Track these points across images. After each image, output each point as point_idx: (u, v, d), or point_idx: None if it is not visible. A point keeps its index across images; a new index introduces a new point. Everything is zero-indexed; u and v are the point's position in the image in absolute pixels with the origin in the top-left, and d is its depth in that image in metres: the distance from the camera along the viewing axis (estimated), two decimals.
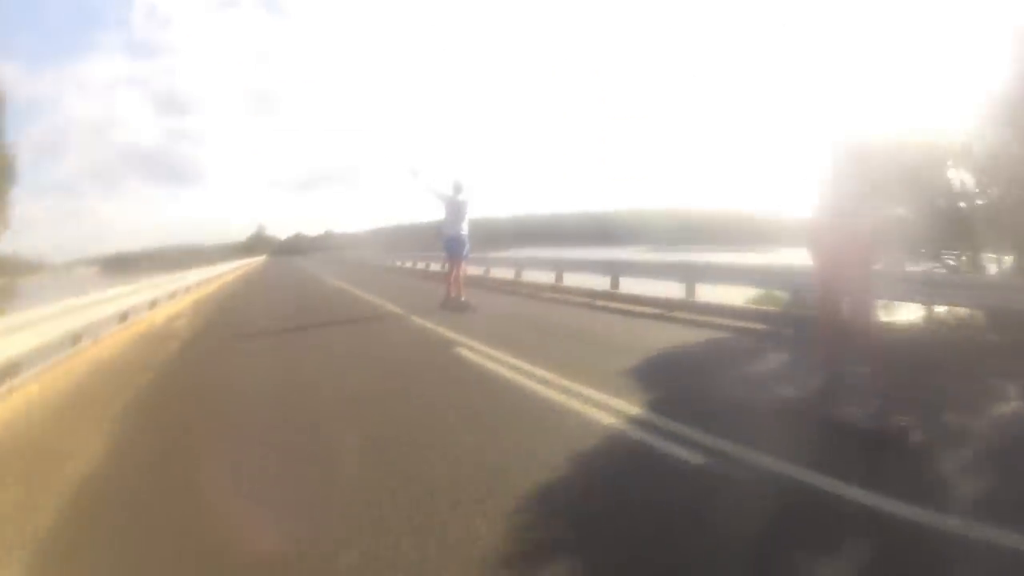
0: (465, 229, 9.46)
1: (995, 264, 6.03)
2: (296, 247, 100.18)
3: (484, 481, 2.68)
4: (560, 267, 13.07)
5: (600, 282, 11.28)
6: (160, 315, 10.05)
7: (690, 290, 8.89)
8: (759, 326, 6.76)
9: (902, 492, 2.36)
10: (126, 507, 2.58)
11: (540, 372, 4.64)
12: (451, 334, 6.75)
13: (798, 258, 4.80)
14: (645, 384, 4.26)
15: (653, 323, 7.50)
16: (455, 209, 9.44)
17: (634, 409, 3.63)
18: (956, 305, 5.79)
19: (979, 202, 5.67)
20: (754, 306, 8.00)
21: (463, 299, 9.27)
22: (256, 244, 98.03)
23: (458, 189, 9.42)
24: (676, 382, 4.49)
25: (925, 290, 5.69)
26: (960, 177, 5.71)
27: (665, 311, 8.32)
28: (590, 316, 8.64)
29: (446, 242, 9.50)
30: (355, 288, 14.92)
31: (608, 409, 3.66)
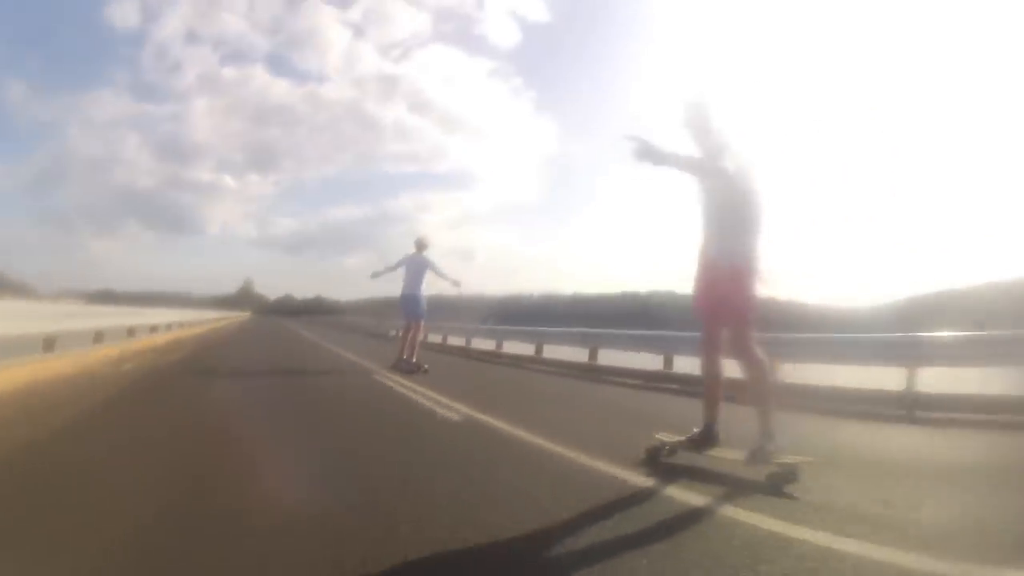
0: (423, 289, 8.91)
1: None
2: (285, 308, 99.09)
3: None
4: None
5: None
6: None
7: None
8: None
9: None
10: None
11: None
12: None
13: None
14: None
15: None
16: (413, 267, 8.94)
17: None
18: None
19: None
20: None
21: (415, 360, 8.62)
22: (243, 299, 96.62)
23: (421, 246, 9.03)
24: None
25: None
26: None
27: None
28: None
29: (401, 300, 9.05)
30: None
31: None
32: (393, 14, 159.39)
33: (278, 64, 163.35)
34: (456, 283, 9.08)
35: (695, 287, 3.33)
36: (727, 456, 3.12)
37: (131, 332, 11.66)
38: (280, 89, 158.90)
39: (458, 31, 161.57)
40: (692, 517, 2.41)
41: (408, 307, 8.97)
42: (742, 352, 3.12)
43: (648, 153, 3.00)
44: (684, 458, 3.24)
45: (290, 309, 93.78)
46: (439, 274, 8.95)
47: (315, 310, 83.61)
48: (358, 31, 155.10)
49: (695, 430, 3.28)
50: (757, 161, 3.29)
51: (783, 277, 3.34)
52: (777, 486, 2.75)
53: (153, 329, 13.85)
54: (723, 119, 3.29)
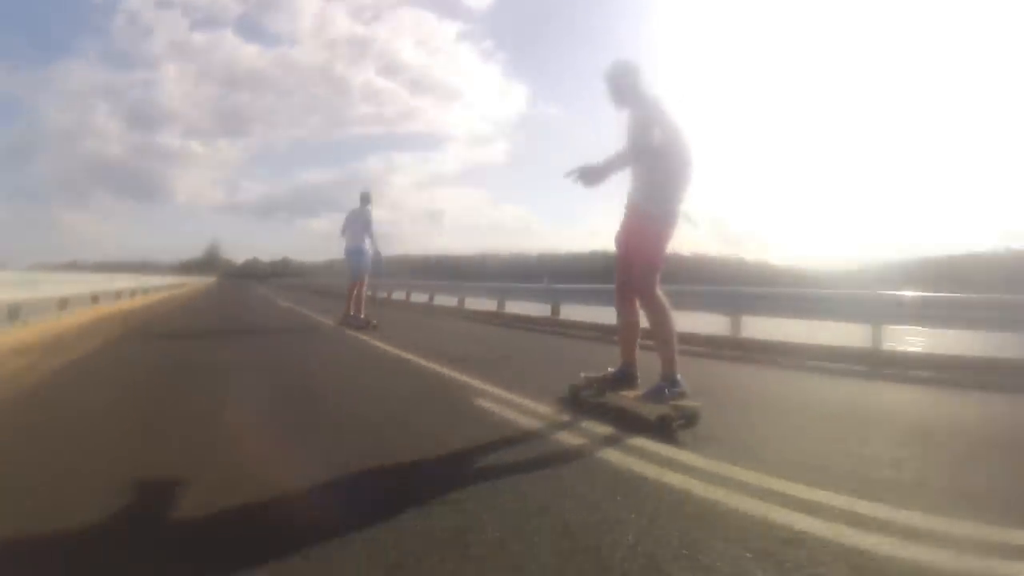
0: (368, 242, 8.76)
1: None
2: (251, 272, 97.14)
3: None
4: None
5: None
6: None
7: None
8: None
9: None
10: None
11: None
12: None
13: None
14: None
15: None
16: (356, 220, 8.80)
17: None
18: None
19: None
20: None
21: (363, 316, 8.53)
22: (209, 264, 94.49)
23: (365, 200, 8.86)
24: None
25: None
26: None
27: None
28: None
29: (345, 255, 8.89)
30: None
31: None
32: None
33: (248, 28, 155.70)
34: (378, 252, 8.86)
35: (617, 233, 3.45)
36: (632, 396, 3.27)
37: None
38: (250, 53, 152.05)
39: None
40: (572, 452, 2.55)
41: (352, 261, 8.78)
42: (644, 297, 3.27)
43: (589, 176, 3.14)
44: (604, 397, 3.40)
45: (257, 273, 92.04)
46: (369, 233, 8.74)
47: (283, 272, 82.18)
48: None
49: (610, 370, 3.47)
50: (684, 116, 3.34)
51: (700, 229, 3.46)
52: (665, 426, 2.85)
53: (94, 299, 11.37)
54: (647, 83, 3.39)
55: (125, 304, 12.83)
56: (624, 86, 3.41)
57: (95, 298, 11.39)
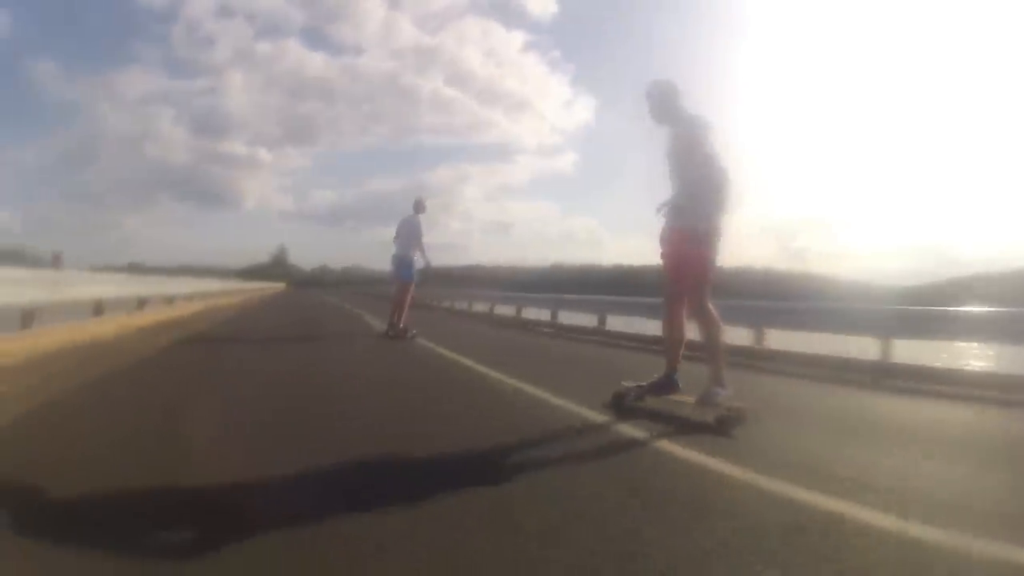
0: (416, 250, 8.55)
1: None
2: (320, 279, 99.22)
3: None
4: None
5: None
6: None
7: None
8: None
9: None
10: None
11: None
12: None
13: None
14: None
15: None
16: (405, 229, 8.58)
17: None
18: None
19: None
20: None
21: (402, 326, 8.24)
22: (276, 269, 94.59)
23: (418, 208, 8.66)
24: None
25: None
26: None
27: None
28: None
29: (392, 261, 8.69)
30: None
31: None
32: None
33: (313, 37, 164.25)
34: (428, 261, 8.65)
35: (663, 249, 3.59)
36: (685, 401, 3.40)
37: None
38: (316, 62, 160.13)
39: (495, 3, 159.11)
40: (631, 446, 2.76)
41: (397, 268, 8.61)
42: (696, 309, 3.42)
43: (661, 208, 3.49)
44: (649, 402, 3.51)
45: (326, 280, 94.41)
46: (418, 245, 8.55)
47: (354, 280, 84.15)
48: (393, 2, 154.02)
49: (655, 376, 3.56)
50: (724, 137, 3.50)
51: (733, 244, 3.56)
52: (723, 425, 3.02)
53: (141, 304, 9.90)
54: (686, 102, 3.58)
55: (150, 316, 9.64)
56: (665, 105, 3.59)
57: (141, 303, 9.78)
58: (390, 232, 8.82)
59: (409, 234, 8.52)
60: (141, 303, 9.91)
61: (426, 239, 8.60)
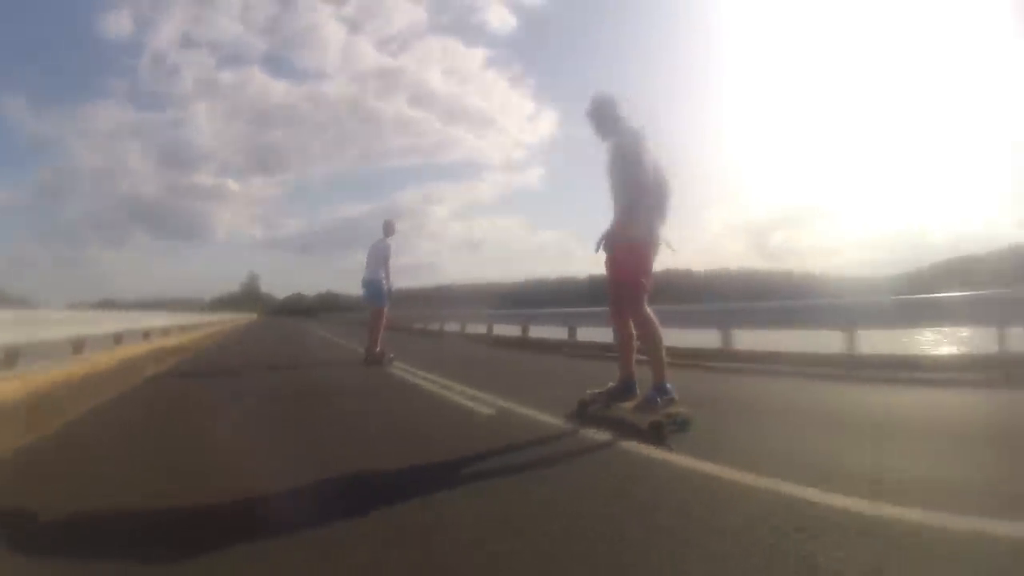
0: (384, 274, 8.38)
1: None
2: (295, 307, 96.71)
3: None
4: None
5: None
6: None
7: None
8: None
9: None
10: None
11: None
12: None
13: None
14: None
15: None
16: (374, 252, 8.46)
17: None
18: None
19: None
20: None
21: (378, 350, 8.04)
22: (249, 299, 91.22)
23: (386, 231, 8.52)
24: None
25: None
26: None
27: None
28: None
29: (363, 286, 8.60)
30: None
31: None
32: (389, 7, 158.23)
33: (276, 64, 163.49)
34: (390, 285, 8.46)
35: (605, 261, 3.74)
36: (629, 407, 3.57)
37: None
38: (279, 89, 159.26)
39: (455, 21, 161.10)
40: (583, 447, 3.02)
41: (368, 293, 8.51)
42: (635, 317, 3.60)
43: (601, 241, 3.60)
44: (609, 409, 3.69)
45: (300, 308, 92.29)
46: (385, 268, 8.40)
47: (331, 307, 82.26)
48: (354, 26, 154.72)
49: (610, 384, 3.77)
50: (661, 150, 3.69)
51: (677, 251, 3.73)
52: (657, 432, 3.08)
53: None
54: (627, 113, 3.74)
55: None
56: (607, 118, 3.73)
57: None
58: (361, 257, 8.73)
59: (378, 258, 8.43)
60: (77, 346, 8.91)
61: (393, 261, 8.49)
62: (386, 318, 8.52)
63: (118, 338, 10.02)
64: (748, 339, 8.19)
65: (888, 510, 1.95)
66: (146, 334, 12.77)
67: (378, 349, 8.07)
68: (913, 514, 1.91)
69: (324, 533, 1.89)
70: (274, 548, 1.79)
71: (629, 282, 3.60)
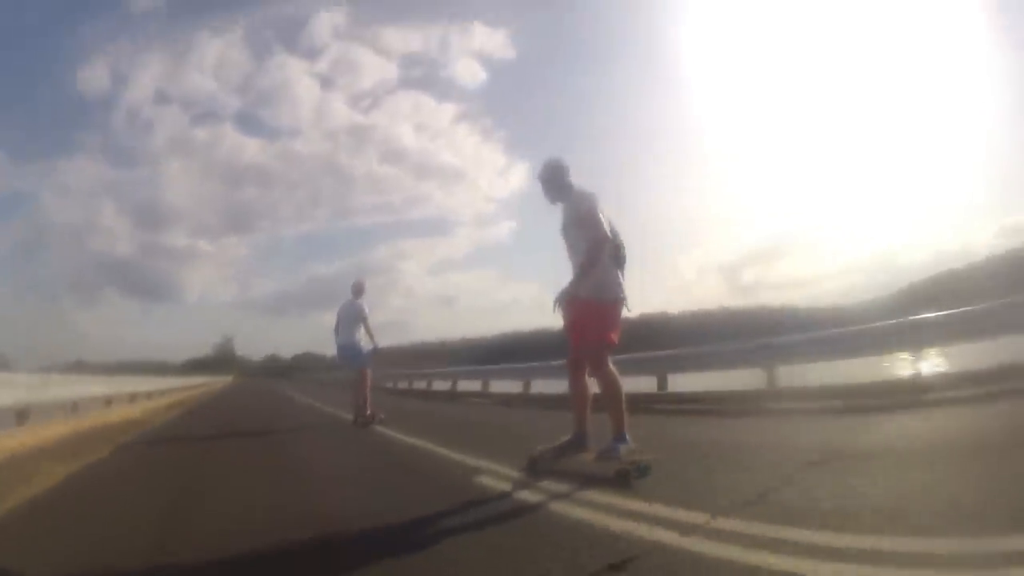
0: (359, 336, 8.24)
1: None
2: (272, 369, 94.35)
3: None
4: None
5: None
6: None
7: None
8: None
9: None
10: None
11: None
12: None
13: None
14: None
15: None
16: (346, 314, 8.32)
17: None
18: None
19: None
20: None
21: (368, 412, 7.88)
22: (223, 361, 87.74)
23: (357, 292, 8.42)
24: None
25: None
26: None
27: None
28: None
29: (338, 351, 8.41)
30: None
31: None
32: (361, 63, 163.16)
33: (248, 122, 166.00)
34: (376, 344, 8.38)
35: (564, 317, 3.83)
36: (590, 458, 3.63)
37: None
38: (252, 147, 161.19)
39: (425, 76, 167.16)
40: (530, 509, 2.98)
41: (345, 357, 8.37)
42: (596, 370, 3.70)
43: (570, 295, 3.68)
44: (562, 462, 3.72)
45: (277, 370, 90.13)
46: (365, 327, 8.29)
47: (308, 367, 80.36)
48: (327, 82, 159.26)
49: (563, 438, 3.82)
50: (608, 212, 3.82)
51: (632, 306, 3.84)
52: (623, 479, 3.22)
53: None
54: (573, 179, 3.93)
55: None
56: (555, 184, 3.91)
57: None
58: (333, 318, 8.50)
59: (353, 319, 8.26)
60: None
61: (372, 321, 8.36)
62: (370, 380, 8.30)
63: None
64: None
65: None
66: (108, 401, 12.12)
67: (369, 412, 7.89)
68: None
69: None
70: None
71: (594, 340, 3.68)
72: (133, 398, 14.24)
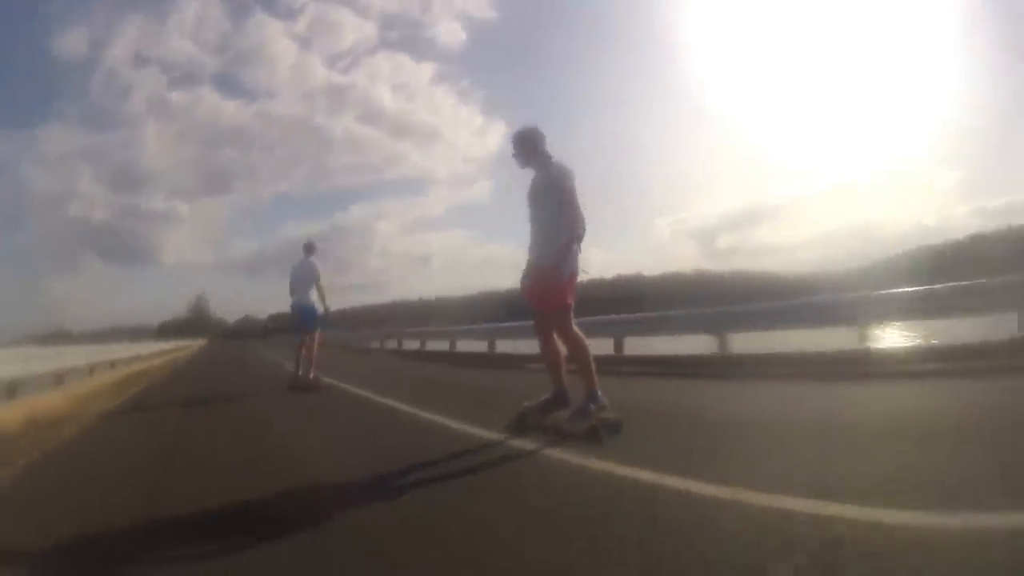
0: (313, 296, 8.01)
1: None
2: (249, 331, 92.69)
3: None
4: None
5: None
6: None
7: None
8: None
9: None
10: None
11: None
12: None
13: None
14: None
15: None
16: (299, 274, 8.09)
17: None
18: None
19: None
20: None
21: (311, 376, 7.73)
22: (197, 323, 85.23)
23: (308, 251, 8.16)
24: None
25: None
26: None
27: None
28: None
29: (292, 311, 8.19)
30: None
31: None
32: (339, 23, 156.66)
33: (227, 84, 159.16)
34: (327, 307, 8.15)
35: (527, 283, 4.05)
36: (564, 417, 3.88)
37: None
38: (229, 109, 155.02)
39: (405, 36, 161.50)
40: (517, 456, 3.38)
41: (297, 318, 8.12)
42: (563, 335, 3.94)
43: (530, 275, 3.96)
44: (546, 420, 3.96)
45: (252, 331, 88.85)
46: (318, 288, 8.03)
47: (283, 327, 79.00)
48: (305, 43, 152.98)
49: (544, 396, 4.07)
50: (574, 178, 3.95)
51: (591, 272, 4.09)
52: (593, 437, 3.47)
53: None
54: (547, 147, 4.06)
55: None
56: (528, 151, 4.04)
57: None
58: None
59: (305, 279, 8.02)
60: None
61: (325, 282, 8.10)
62: (316, 343, 8.07)
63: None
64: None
65: None
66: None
67: (312, 375, 7.75)
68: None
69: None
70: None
71: (557, 307, 3.91)
72: (60, 380, 10.55)
